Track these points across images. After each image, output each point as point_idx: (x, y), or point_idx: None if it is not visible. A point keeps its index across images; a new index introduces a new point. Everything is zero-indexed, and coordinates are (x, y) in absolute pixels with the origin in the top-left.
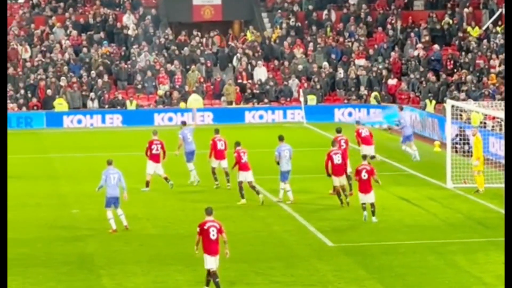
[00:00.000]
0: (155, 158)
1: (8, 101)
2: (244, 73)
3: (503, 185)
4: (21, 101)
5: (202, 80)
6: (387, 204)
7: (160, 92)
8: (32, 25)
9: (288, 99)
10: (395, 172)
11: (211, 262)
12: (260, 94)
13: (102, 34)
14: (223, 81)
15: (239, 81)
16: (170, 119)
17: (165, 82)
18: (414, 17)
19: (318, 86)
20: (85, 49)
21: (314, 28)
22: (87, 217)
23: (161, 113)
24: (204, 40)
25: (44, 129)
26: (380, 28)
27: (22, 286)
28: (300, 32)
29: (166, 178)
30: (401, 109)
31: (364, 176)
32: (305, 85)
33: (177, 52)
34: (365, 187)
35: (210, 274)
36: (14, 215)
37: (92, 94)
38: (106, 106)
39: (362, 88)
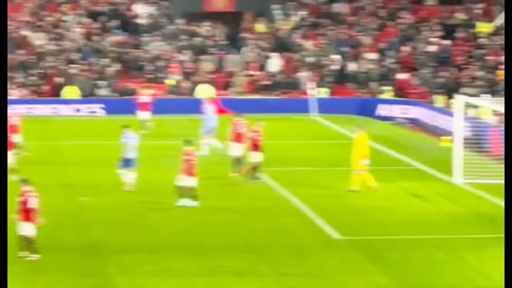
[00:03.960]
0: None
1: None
2: (254, 64)
3: None
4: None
5: (211, 70)
6: (395, 199)
7: (170, 81)
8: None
9: (298, 91)
10: (403, 166)
11: (27, 229)
12: (270, 85)
13: (114, 23)
14: (232, 72)
15: (248, 71)
16: None
17: (175, 71)
18: (426, 12)
19: (329, 79)
20: (96, 37)
21: (325, 21)
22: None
23: None
24: (215, 30)
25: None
26: (391, 22)
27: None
28: (311, 25)
29: None
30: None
31: None
32: (315, 77)
33: (187, 42)
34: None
35: (27, 240)
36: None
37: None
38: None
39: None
